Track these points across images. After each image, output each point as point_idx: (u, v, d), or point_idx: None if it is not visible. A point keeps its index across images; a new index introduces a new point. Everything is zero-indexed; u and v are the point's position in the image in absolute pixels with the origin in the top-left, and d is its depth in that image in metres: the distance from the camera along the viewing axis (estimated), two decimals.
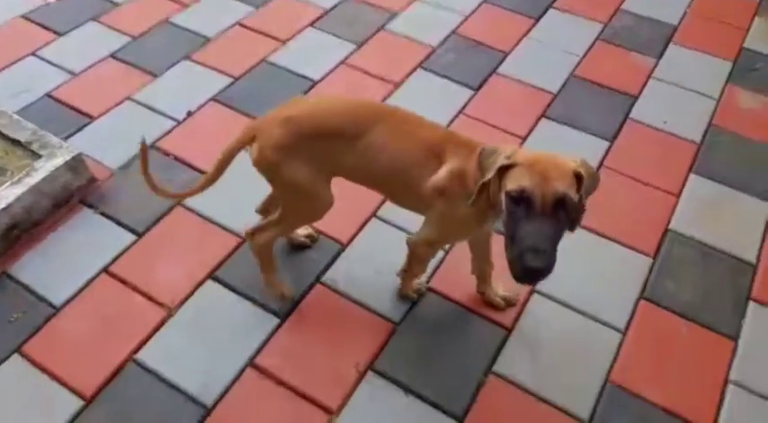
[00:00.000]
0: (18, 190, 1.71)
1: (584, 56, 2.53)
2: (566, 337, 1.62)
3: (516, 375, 1.54)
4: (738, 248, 1.85)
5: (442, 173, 1.32)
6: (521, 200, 1.15)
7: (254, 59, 2.41)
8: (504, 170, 1.20)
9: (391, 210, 1.90)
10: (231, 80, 2.32)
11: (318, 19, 2.62)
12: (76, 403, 1.46)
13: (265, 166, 1.40)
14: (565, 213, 1.15)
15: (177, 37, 2.50)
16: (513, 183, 1.17)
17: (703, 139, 2.19)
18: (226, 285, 1.70)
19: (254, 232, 1.56)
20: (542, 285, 1.72)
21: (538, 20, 2.69)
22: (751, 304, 1.71)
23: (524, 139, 2.16)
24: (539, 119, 2.24)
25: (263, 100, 2.23)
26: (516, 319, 1.65)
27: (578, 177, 1.18)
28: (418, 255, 1.52)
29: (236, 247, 1.78)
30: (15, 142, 1.86)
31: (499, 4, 2.76)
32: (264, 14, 2.63)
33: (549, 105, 2.30)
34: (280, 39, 2.51)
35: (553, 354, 1.59)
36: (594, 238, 1.86)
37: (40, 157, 1.81)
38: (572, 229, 1.21)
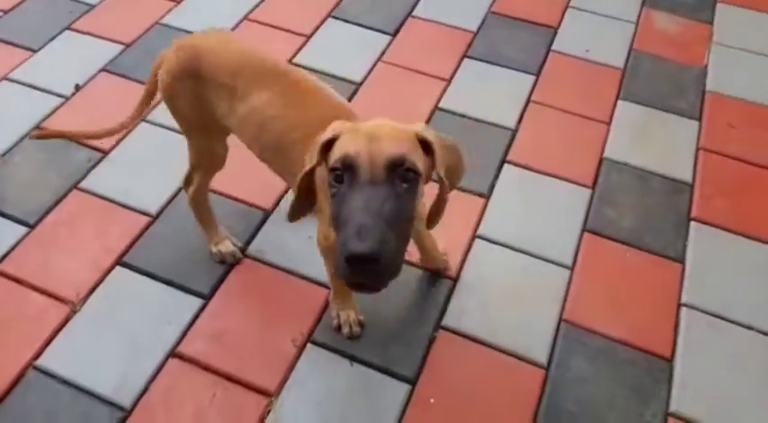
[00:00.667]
0: None
1: None
2: (513, 280, 1.54)
3: (467, 327, 1.44)
4: (673, 169, 1.81)
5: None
6: (344, 170, 0.89)
7: (147, 23, 2.17)
8: (328, 148, 0.95)
9: None
10: (122, 47, 2.08)
11: None
12: None
13: (161, 92, 1.28)
14: (405, 184, 0.88)
15: (55, 6, 2.21)
16: (335, 153, 0.92)
17: (626, 65, 2.14)
18: (137, 270, 1.51)
19: (185, 185, 1.44)
20: (483, 228, 1.63)
21: None
22: (692, 224, 1.68)
23: (449, 80, 2.04)
24: (461, 59, 2.13)
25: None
26: (460, 269, 1.55)
27: (425, 144, 0.95)
28: (323, 252, 1.29)
29: (146, 227, 1.59)
30: None
31: None
32: None
33: (470, 44, 2.19)
34: None
35: (502, 299, 1.50)
36: (531, 175, 1.78)
37: None
38: (431, 221, 1.02)
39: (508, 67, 2.11)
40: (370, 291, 0.90)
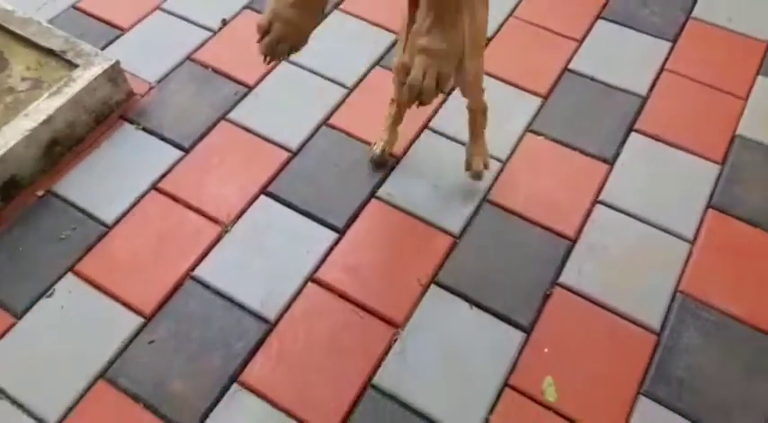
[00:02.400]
0: (57, 101, 1.63)
1: None
2: (632, 247, 1.58)
3: (583, 286, 1.51)
4: None
5: None
6: None
7: None
8: None
9: (445, 120, 1.82)
10: None
11: None
12: (136, 320, 1.45)
13: None
14: None
15: None
16: None
17: None
18: (280, 201, 1.65)
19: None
20: (606, 194, 1.66)
21: None
22: None
23: (581, 41, 2.02)
24: (594, 20, 2.09)
25: None
26: (580, 230, 1.60)
27: None
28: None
29: (287, 162, 1.72)
30: (48, 52, 1.77)
31: None
32: None
33: (605, 5, 2.13)
34: None
35: (620, 264, 1.55)
36: (658, 146, 1.77)
37: (76, 66, 1.72)
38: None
39: (643, 32, 2.05)
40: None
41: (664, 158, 1.75)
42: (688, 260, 1.55)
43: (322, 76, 1.91)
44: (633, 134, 1.80)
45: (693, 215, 1.64)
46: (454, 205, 1.64)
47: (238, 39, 2.01)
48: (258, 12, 2.08)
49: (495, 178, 1.70)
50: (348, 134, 1.77)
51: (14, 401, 1.34)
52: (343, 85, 1.88)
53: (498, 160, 1.73)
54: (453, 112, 1.80)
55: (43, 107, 1.62)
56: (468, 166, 1.61)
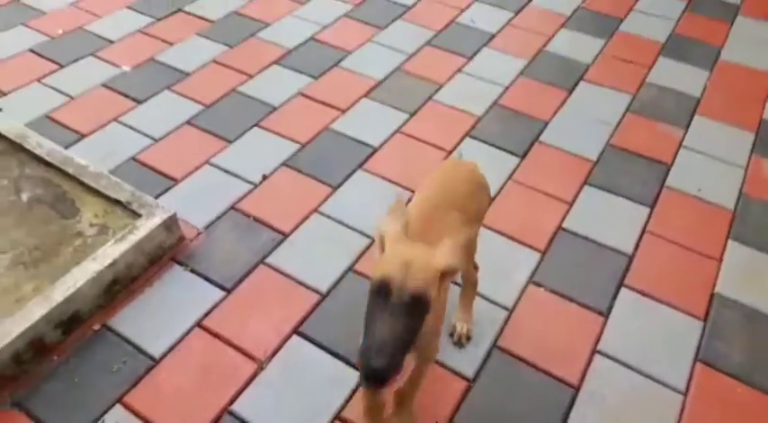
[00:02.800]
0: (122, 247, 1.87)
1: (617, 126, 2.74)
2: (628, 396, 1.75)
3: None
4: None
5: None
6: (380, 288, 1.08)
7: (318, 127, 2.62)
8: None
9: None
10: (299, 146, 2.52)
11: (372, 90, 2.84)
12: None
13: None
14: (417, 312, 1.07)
15: (245, 105, 2.72)
16: (377, 270, 1.12)
17: (736, 207, 2.37)
18: (311, 340, 1.83)
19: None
20: (603, 344, 1.86)
21: (570, 92, 2.92)
22: None
23: (571, 204, 2.34)
24: (582, 185, 2.43)
25: (329, 164, 2.42)
26: (582, 378, 1.78)
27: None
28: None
29: (317, 304, 1.93)
30: (115, 202, 2.04)
31: (534, 76, 2.99)
32: (322, 85, 2.86)
33: (590, 173, 2.49)
34: (339, 108, 2.73)
35: (618, 413, 1.70)
36: (646, 301, 2.00)
37: (139, 215, 1.99)
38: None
39: (625, 197, 2.38)
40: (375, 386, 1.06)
41: (652, 313, 1.97)
42: (682, 413, 1.71)
43: (348, 227, 2.18)
44: (623, 289, 2.04)
45: (683, 368, 1.83)
46: (467, 350, 1.83)
47: (276, 192, 2.32)
48: (294, 169, 2.41)
49: (503, 326, 1.90)
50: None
51: None
52: (365, 235, 2.15)
53: (505, 308, 1.95)
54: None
55: (109, 252, 1.86)
56: (453, 330, 1.84)
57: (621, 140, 2.65)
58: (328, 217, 2.22)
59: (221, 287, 1.97)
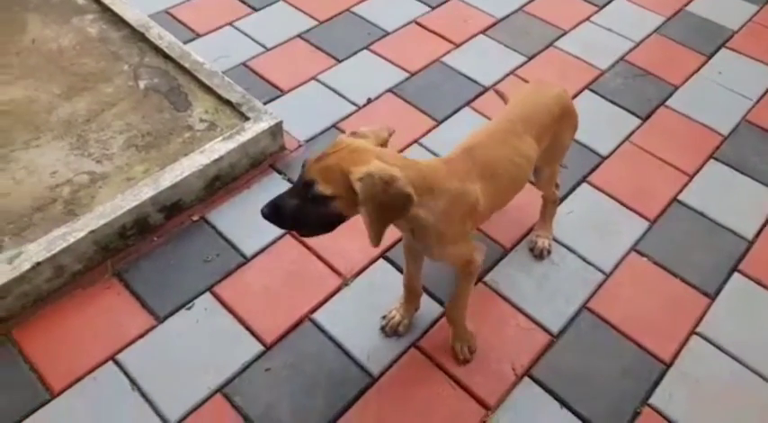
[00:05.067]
0: (229, 145, 1.90)
1: (757, 102, 2.47)
2: (726, 385, 1.62)
3: (671, 412, 1.56)
4: None
5: None
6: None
7: (429, 58, 2.52)
8: None
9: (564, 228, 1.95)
10: (407, 75, 2.44)
11: (490, 27, 2.69)
12: (257, 347, 1.62)
13: None
14: (312, 198, 1.15)
15: (358, 26, 2.65)
16: None
17: None
18: (396, 266, 1.81)
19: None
20: (704, 327, 1.73)
21: (710, 57, 2.65)
22: None
23: (691, 176, 2.15)
24: (707, 159, 2.22)
25: (435, 97, 2.34)
26: (675, 356, 1.67)
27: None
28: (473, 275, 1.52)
29: None
30: (226, 102, 2.06)
31: (671, 36, 2.73)
32: (439, 15, 2.74)
33: (718, 147, 2.27)
34: (453, 41, 2.61)
35: (712, 399, 1.59)
36: (760, 290, 1.83)
37: (247, 119, 2.00)
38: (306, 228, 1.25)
39: (754, 179, 2.16)
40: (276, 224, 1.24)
41: (765, 304, 1.81)
42: None
43: None
44: (736, 274, 1.87)
45: None
46: (556, 305, 1.75)
47: (379, 117, 2.27)
48: (400, 97, 2.34)
49: (597, 289, 1.80)
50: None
51: (144, 395, 1.51)
52: None
53: (602, 272, 1.85)
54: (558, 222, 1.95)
55: (216, 148, 1.89)
56: (533, 245, 1.84)
57: (759, 118, 2.39)
58: (429, 151, 2.16)
59: None
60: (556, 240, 1.90)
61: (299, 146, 2.13)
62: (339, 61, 2.48)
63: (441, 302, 1.74)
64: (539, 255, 1.84)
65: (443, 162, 1.33)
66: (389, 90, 2.38)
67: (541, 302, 1.76)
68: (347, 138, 1.23)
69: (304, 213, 1.19)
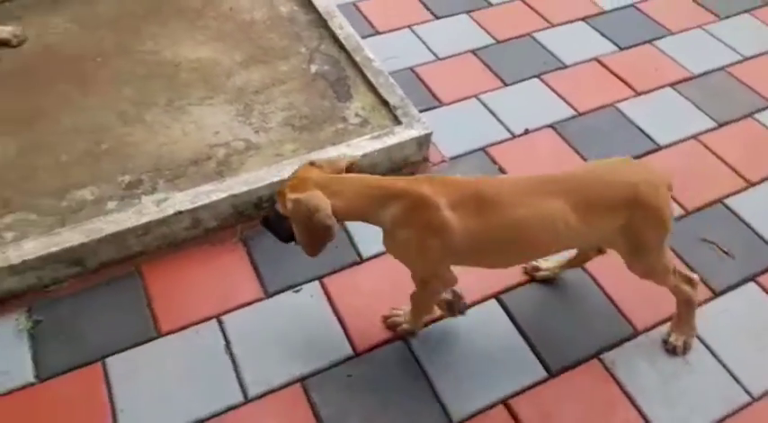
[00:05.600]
0: (376, 144, 1.91)
1: None
2: None
3: None
4: None
5: None
6: None
7: (603, 100, 2.35)
8: None
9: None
10: (574, 113, 2.29)
11: (682, 81, 2.44)
12: (347, 351, 1.61)
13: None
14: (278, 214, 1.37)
15: (535, 53, 2.54)
16: None
17: None
18: (508, 312, 1.70)
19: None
20: None
21: None
22: None
23: None
24: None
25: (599, 144, 2.17)
26: None
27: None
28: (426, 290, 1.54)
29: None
30: (384, 102, 2.09)
31: None
32: (626, 58, 2.54)
33: None
34: (634, 88, 2.40)
35: None
36: None
37: (400, 123, 2.00)
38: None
39: None
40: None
41: None
42: None
43: None
44: None
45: None
46: (677, 412, 1.53)
47: (532, 151, 2.15)
48: (560, 134, 2.21)
49: (736, 411, 1.52)
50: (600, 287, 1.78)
51: (233, 360, 1.57)
52: None
53: (748, 393, 1.56)
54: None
55: (363, 144, 1.91)
56: (667, 337, 1.63)
57: None
58: None
59: None
60: (699, 338, 1.67)
61: (443, 161, 2.09)
62: (506, 84, 2.40)
63: (545, 366, 1.60)
64: (671, 350, 1.63)
65: (408, 180, 1.37)
66: (551, 125, 2.25)
67: (661, 403, 1.54)
68: (307, 166, 1.38)
69: (278, 225, 1.40)
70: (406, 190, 1.32)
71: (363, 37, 2.49)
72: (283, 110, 2.10)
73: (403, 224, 1.33)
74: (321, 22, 2.42)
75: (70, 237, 1.64)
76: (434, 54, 2.52)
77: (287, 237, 1.38)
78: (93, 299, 1.67)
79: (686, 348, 1.64)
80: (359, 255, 1.81)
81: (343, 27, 2.37)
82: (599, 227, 1.37)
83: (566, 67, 2.49)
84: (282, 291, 1.72)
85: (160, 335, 1.61)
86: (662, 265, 1.48)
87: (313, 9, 2.47)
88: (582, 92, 2.38)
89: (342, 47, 2.31)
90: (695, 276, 1.57)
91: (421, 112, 2.22)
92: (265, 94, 2.15)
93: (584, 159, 2.12)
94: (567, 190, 1.34)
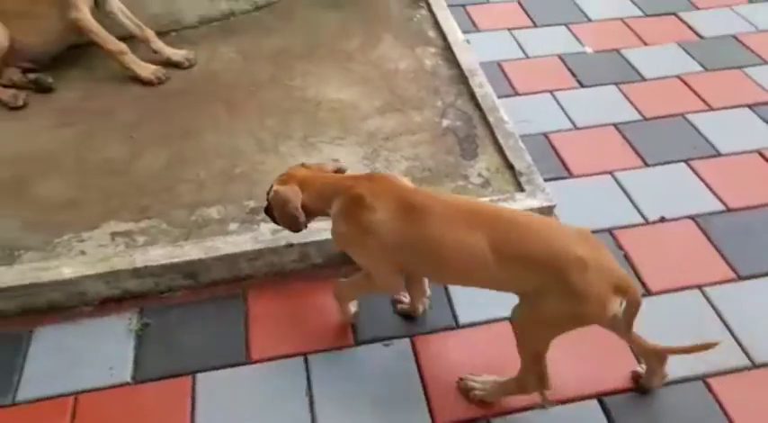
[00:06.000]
0: None
1: None
2: None
3: None
4: None
5: None
6: None
7: (761, 199, 2.09)
8: None
9: None
10: (722, 208, 2.07)
11: None
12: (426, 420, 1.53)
13: None
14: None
15: (686, 136, 2.35)
16: None
17: None
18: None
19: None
20: None
21: None
22: None
23: None
24: None
25: (748, 247, 1.93)
26: None
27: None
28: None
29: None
30: (509, 166, 2.03)
31: None
32: None
33: None
34: None
35: None
36: None
37: (522, 190, 1.93)
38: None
39: None
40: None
41: None
42: None
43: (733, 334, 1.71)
44: None
45: None
46: None
47: (667, 243, 1.96)
48: (702, 230, 1.99)
49: None
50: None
51: (311, 401, 1.56)
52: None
53: None
54: None
55: None
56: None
57: None
58: (714, 307, 1.77)
59: None
60: None
61: None
62: (647, 165, 2.23)
63: None
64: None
65: (354, 178, 1.54)
66: (692, 217, 2.04)
67: None
68: (298, 165, 1.61)
69: (271, 214, 1.60)
70: (348, 188, 1.47)
71: (501, 96, 2.46)
72: (408, 159, 2.12)
73: (340, 218, 1.48)
74: (462, 79, 2.44)
75: (190, 251, 1.75)
76: (572, 122, 2.42)
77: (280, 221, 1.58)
78: (199, 312, 1.76)
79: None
80: (455, 319, 1.74)
81: (482, 86, 2.36)
82: (516, 276, 1.34)
83: (720, 155, 2.27)
84: (372, 341, 1.69)
85: (249, 361, 1.65)
86: (534, 350, 1.40)
87: (456, 65, 2.50)
88: (736, 185, 2.14)
89: (477, 105, 2.30)
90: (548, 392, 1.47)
91: (547, 180, 2.12)
92: (394, 142, 2.19)
93: (727, 263, 1.88)
94: (490, 227, 1.35)
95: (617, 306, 1.32)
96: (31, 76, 2.40)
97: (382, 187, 1.45)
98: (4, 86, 2.36)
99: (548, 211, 1.89)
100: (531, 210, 1.86)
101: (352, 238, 1.48)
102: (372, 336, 1.71)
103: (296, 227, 1.53)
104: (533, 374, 1.43)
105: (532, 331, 1.38)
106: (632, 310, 1.34)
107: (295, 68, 2.55)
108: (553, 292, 1.29)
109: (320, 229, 1.81)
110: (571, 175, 2.20)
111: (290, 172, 1.57)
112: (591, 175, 2.20)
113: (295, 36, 2.73)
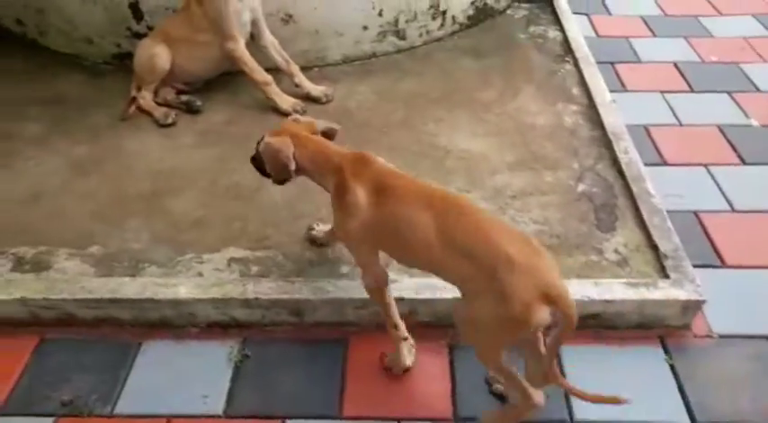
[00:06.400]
0: (630, 294, 1.66)
1: None
2: None
3: None
4: None
5: None
6: None
7: None
8: None
9: None
10: None
11: None
12: None
13: None
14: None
15: None
16: None
17: None
18: None
19: None
20: None
21: None
22: None
23: None
24: None
25: None
26: None
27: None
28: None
29: None
30: (653, 246, 1.81)
31: None
32: None
33: None
34: None
35: None
36: None
37: (667, 277, 1.70)
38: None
39: None
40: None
41: None
42: None
43: None
44: None
45: None
46: None
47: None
48: None
49: None
50: None
51: None
52: None
53: None
54: None
55: (614, 289, 1.67)
56: None
57: None
58: None
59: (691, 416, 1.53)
60: None
61: (708, 336, 1.70)
62: None
63: None
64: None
65: (343, 156, 1.55)
66: None
67: None
68: (289, 120, 1.69)
69: (261, 164, 1.64)
70: (336, 169, 1.51)
71: (647, 164, 2.23)
72: (536, 222, 1.96)
73: (334, 200, 1.54)
74: (604, 142, 2.26)
75: (300, 289, 1.73)
76: (729, 203, 2.13)
77: (266, 173, 1.64)
78: (299, 352, 1.72)
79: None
80: (570, 416, 1.54)
81: (627, 152, 2.16)
82: (455, 265, 1.33)
83: None
84: (474, 419, 1.54)
85: (340, 416, 1.56)
86: (488, 357, 1.39)
87: (599, 126, 2.32)
88: None
89: (620, 171, 2.10)
90: (537, 401, 1.39)
91: (695, 267, 1.87)
92: (522, 201, 2.05)
93: None
94: (440, 210, 1.38)
95: (545, 315, 1.23)
96: (183, 97, 2.57)
97: (366, 169, 1.50)
98: (158, 104, 2.55)
99: (695, 305, 1.65)
100: (676, 301, 1.64)
101: (340, 225, 1.55)
102: (474, 412, 1.56)
103: (285, 175, 1.58)
104: (519, 391, 1.39)
105: (468, 332, 1.39)
106: (565, 329, 1.23)
107: (428, 113, 2.50)
108: (483, 291, 1.29)
109: (433, 287, 1.71)
110: (724, 265, 1.92)
111: (282, 126, 1.63)
112: (750, 267, 1.91)
113: (432, 81, 2.70)
